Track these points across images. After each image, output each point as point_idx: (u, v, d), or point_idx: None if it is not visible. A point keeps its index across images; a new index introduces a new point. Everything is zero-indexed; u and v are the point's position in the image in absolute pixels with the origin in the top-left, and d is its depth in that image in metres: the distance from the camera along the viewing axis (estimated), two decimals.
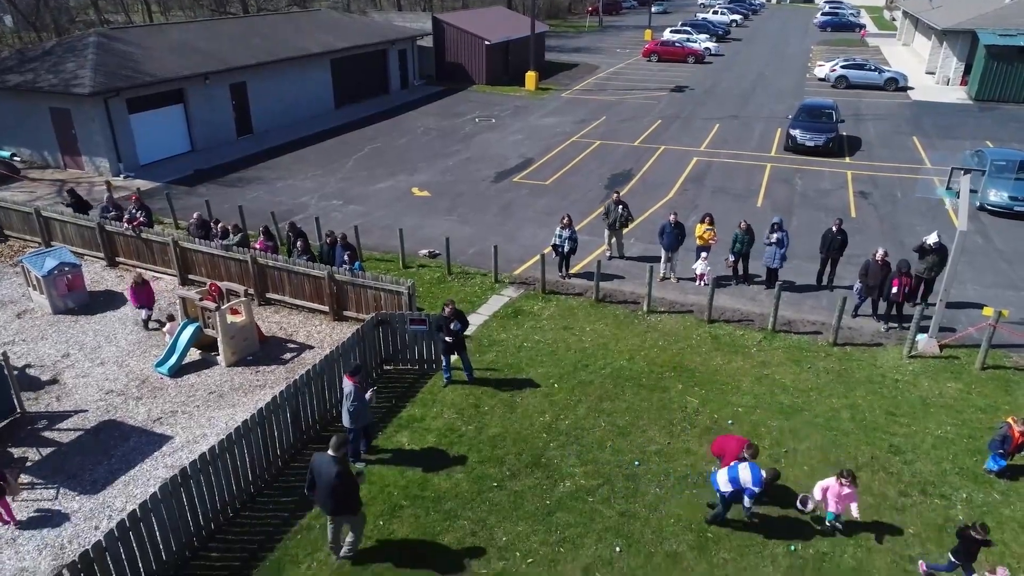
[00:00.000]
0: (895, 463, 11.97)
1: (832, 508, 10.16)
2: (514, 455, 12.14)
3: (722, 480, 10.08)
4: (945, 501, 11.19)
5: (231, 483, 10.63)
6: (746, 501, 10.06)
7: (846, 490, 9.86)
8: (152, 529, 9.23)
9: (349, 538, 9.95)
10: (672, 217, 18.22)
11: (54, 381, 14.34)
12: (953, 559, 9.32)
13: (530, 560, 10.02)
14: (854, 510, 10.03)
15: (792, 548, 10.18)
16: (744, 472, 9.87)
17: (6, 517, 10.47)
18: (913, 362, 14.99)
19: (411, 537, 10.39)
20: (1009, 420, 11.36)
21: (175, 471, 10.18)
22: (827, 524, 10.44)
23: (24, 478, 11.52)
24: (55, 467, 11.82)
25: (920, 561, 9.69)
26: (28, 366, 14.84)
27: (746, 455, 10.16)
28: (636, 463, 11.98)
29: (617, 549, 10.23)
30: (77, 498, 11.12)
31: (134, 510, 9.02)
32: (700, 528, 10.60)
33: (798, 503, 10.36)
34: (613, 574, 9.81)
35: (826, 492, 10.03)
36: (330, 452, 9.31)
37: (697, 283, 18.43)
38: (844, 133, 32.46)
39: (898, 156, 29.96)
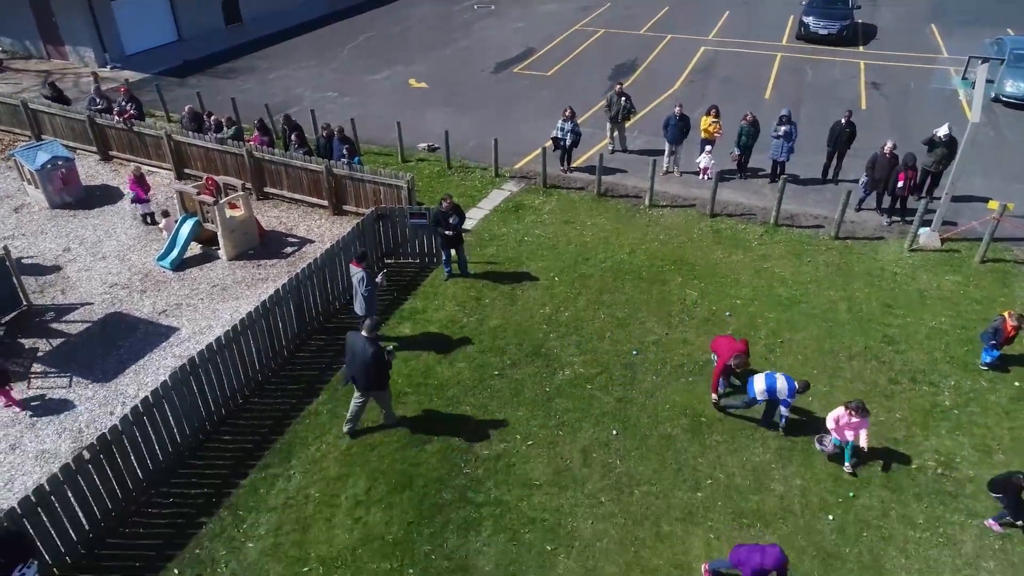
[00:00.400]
0: (887, 353, 12.21)
1: (841, 437, 9.90)
2: (515, 345, 12.37)
3: (759, 388, 10.24)
4: (933, 388, 11.49)
5: (239, 372, 10.89)
6: (782, 410, 10.27)
7: (855, 419, 9.61)
8: (165, 414, 9.53)
9: (384, 416, 10.61)
10: (677, 109, 17.74)
11: (57, 267, 14.48)
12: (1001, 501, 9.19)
13: (530, 442, 10.40)
14: (862, 439, 9.84)
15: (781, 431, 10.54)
16: (781, 383, 10.06)
17: (10, 404, 10.80)
18: (913, 256, 15.01)
19: (415, 420, 10.73)
20: (1004, 314, 11.49)
21: (183, 360, 10.41)
22: (836, 448, 10.11)
23: (37, 367, 11.79)
24: (66, 357, 12.07)
25: (989, 520, 9.30)
26: (28, 258, 14.89)
27: (732, 364, 10.55)
28: (634, 352, 12.22)
29: (614, 432, 10.60)
30: (90, 386, 11.42)
31: (146, 397, 9.28)
32: (694, 413, 10.94)
33: (815, 442, 10.33)
34: (609, 455, 10.21)
35: (837, 422, 9.79)
36: (364, 333, 9.80)
37: (701, 177, 18.19)
38: (859, 20, 31.13)
39: (914, 45, 28.84)
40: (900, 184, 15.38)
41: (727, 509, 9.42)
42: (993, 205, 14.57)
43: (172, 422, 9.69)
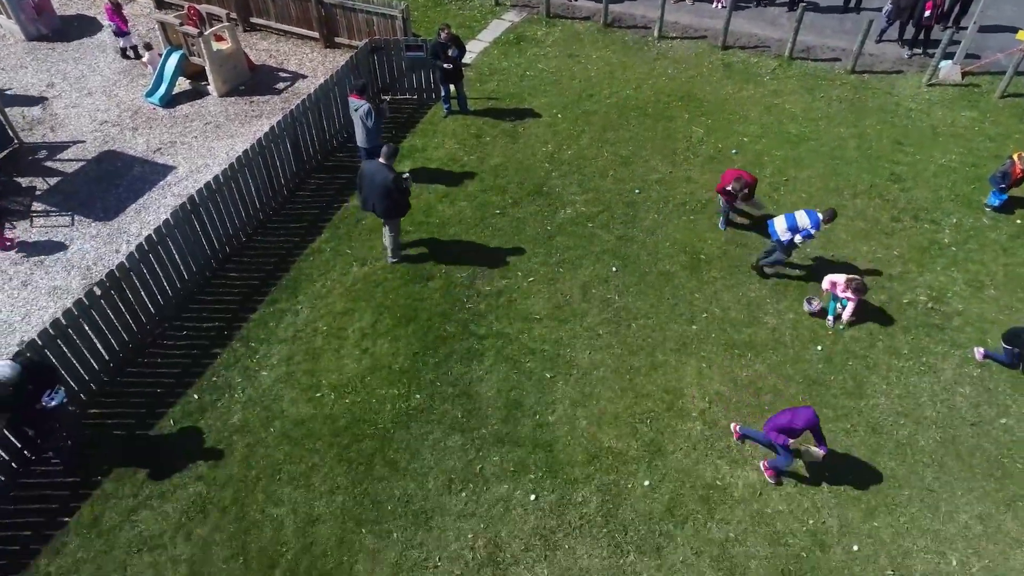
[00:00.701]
0: (893, 190, 12.12)
1: (833, 290, 9.79)
2: (516, 184, 12.28)
3: (780, 228, 10.07)
4: (934, 226, 11.53)
5: (239, 210, 10.89)
6: (797, 238, 9.96)
7: (850, 294, 9.54)
8: (170, 252, 9.65)
9: (388, 243, 10.71)
10: None
11: (43, 98, 14.12)
12: (1006, 346, 9.28)
13: (531, 279, 10.61)
14: (847, 311, 9.80)
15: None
16: (802, 218, 9.91)
17: (7, 244, 10.91)
18: (931, 90, 14.47)
19: (418, 258, 10.89)
20: (1014, 156, 11.24)
21: (183, 199, 10.38)
22: (822, 309, 10.13)
23: (37, 206, 11.79)
24: (65, 195, 12.03)
25: (977, 348, 9.62)
26: (9, 89, 14.44)
27: (732, 189, 10.34)
28: (637, 191, 12.14)
29: (614, 269, 10.78)
30: (93, 224, 11.48)
31: (150, 235, 9.34)
32: (694, 251, 11.06)
33: (805, 302, 10.18)
34: (609, 290, 10.44)
35: (834, 286, 9.68)
36: (382, 160, 9.90)
37: (714, 5, 17.14)
38: None
39: None
40: (927, 13, 14.50)
41: (720, 340, 9.78)
42: (1022, 36, 13.83)
43: (178, 259, 9.83)
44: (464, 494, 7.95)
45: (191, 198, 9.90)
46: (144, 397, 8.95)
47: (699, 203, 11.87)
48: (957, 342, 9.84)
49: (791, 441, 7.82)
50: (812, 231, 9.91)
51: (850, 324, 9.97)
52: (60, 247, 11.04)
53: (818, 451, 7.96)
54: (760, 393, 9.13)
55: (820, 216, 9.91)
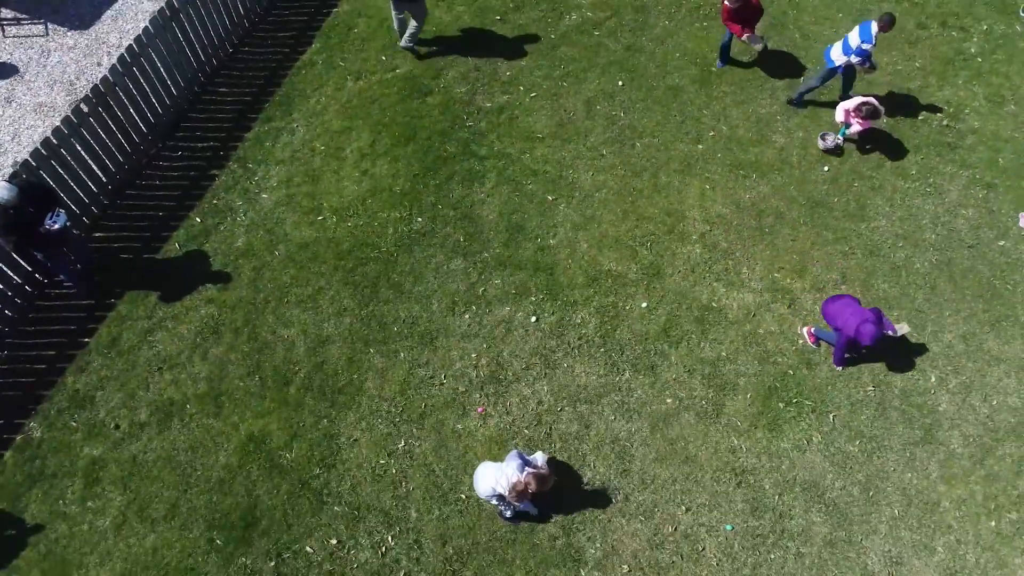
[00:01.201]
0: None
1: (845, 121, 9.36)
2: None
3: (835, 54, 9.27)
4: (962, 34, 10.80)
5: (223, 16, 10.15)
6: (853, 59, 9.16)
7: (861, 119, 9.06)
8: (154, 64, 9.13)
9: (411, 28, 10.13)
10: None
11: None
12: None
13: (533, 94, 10.16)
14: (851, 130, 9.36)
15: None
16: (853, 35, 9.01)
17: None
18: None
19: (415, 72, 10.35)
20: None
21: (162, 3, 9.65)
22: (837, 140, 9.60)
23: (6, 12, 10.99)
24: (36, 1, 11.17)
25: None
26: None
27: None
28: None
29: (620, 83, 10.28)
30: (69, 34, 10.76)
31: (130, 45, 8.79)
32: (705, 62, 10.47)
33: (819, 139, 9.58)
34: (614, 106, 10.04)
35: (847, 115, 9.20)
36: None
37: None
38: None
39: None
40: None
41: (725, 161, 9.58)
42: None
43: (163, 72, 9.34)
44: (467, 316, 8.24)
45: (169, 3, 9.20)
46: (147, 221, 8.97)
47: (713, 7, 11.03)
48: (968, 162, 9.64)
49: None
50: (867, 47, 8.93)
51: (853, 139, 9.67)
52: (39, 61, 10.45)
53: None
54: (762, 216, 9.11)
55: (874, 26, 8.87)
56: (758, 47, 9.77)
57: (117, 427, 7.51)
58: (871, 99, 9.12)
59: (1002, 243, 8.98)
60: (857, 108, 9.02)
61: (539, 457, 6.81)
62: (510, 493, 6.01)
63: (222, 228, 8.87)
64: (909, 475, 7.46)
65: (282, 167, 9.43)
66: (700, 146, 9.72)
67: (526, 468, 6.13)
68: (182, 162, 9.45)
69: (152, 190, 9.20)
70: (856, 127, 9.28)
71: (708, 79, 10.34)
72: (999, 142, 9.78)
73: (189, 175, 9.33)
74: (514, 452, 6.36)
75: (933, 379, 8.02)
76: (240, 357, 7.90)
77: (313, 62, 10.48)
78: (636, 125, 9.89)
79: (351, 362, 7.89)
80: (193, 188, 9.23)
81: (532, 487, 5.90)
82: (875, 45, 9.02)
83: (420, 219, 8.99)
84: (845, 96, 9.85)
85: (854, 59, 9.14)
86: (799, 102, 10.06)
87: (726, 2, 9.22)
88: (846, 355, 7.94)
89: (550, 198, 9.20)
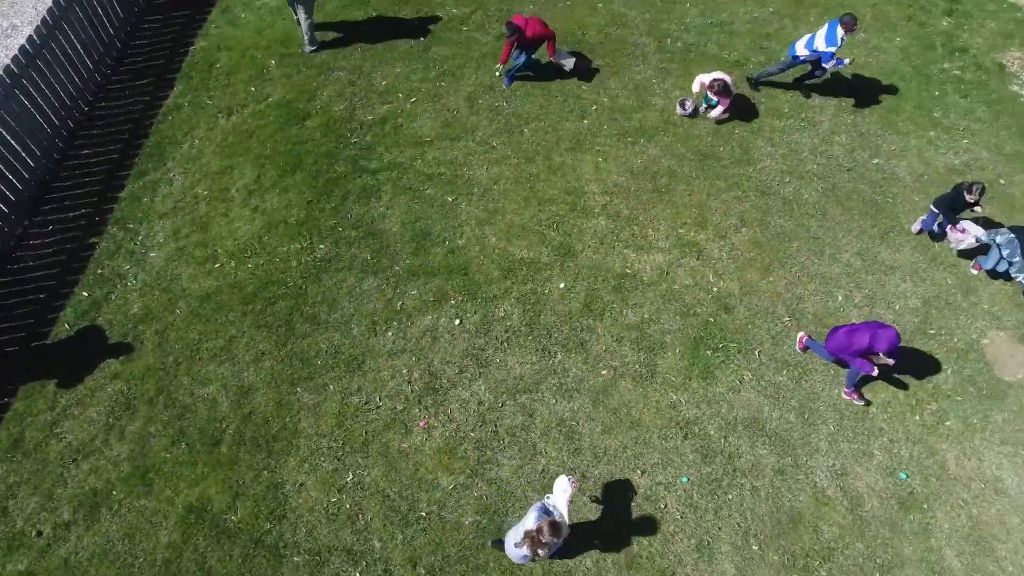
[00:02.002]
0: None
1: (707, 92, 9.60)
2: None
3: (799, 47, 9.44)
4: None
5: (70, 74, 9.56)
6: (829, 64, 9.30)
7: (716, 96, 9.37)
8: (3, 137, 8.51)
9: (304, 28, 10.16)
10: None
11: None
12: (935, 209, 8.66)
13: (413, 99, 10.06)
14: (715, 112, 9.67)
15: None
16: (819, 37, 9.16)
17: None
18: None
19: (289, 98, 10.06)
20: None
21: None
22: (695, 105, 9.89)
23: None
24: None
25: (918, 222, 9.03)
26: None
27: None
28: None
29: (497, 74, 10.31)
30: None
31: None
32: (576, 39, 10.64)
33: (678, 105, 9.84)
34: (496, 97, 10.07)
35: (703, 85, 9.45)
36: None
37: None
38: None
39: None
40: None
41: (612, 131, 9.77)
42: None
43: (14, 144, 8.71)
44: (390, 333, 8.09)
45: (6, 69, 8.58)
46: (28, 307, 8.32)
47: None
48: (833, 91, 10.17)
49: (872, 366, 7.28)
50: (832, 49, 9.05)
51: (720, 122, 9.90)
52: None
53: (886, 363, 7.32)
54: (656, 177, 9.35)
55: (839, 30, 8.98)
56: (568, 64, 10.01)
57: (39, 533, 6.93)
58: (724, 77, 9.34)
59: (876, 161, 9.54)
60: (711, 84, 9.27)
61: (561, 482, 6.21)
62: (529, 547, 5.61)
63: (113, 297, 8.36)
64: (836, 391, 7.83)
65: (166, 220, 8.98)
66: (586, 121, 9.87)
67: (542, 519, 5.69)
68: (55, 236, 8.84)
69: (27, 272, 8.56)
70: (718, 109, 9.59)
71: (582, 57, 10.50)
72: (856, 69, 10.36)
73: (66, 248, 8.73)
74: (536, 505, 5.88)
75: (840, 298, 8.44)
76: (161, 427, 7.47)
77: (179, 105, 10.01)
78: (521, 112, 9.95)
79: (280, 406, 7.60)
80: (73, 261, 8.65)
81: (544, 535, 5.51)
82: (840, 47, 9.16)
83: (323, 245, 8.75)
84: (804, 80, 10.07)
85: (829, 65, 9.28)
86: (757, 84, 10.21)
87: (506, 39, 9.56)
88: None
89: (450, 199, 9.14)
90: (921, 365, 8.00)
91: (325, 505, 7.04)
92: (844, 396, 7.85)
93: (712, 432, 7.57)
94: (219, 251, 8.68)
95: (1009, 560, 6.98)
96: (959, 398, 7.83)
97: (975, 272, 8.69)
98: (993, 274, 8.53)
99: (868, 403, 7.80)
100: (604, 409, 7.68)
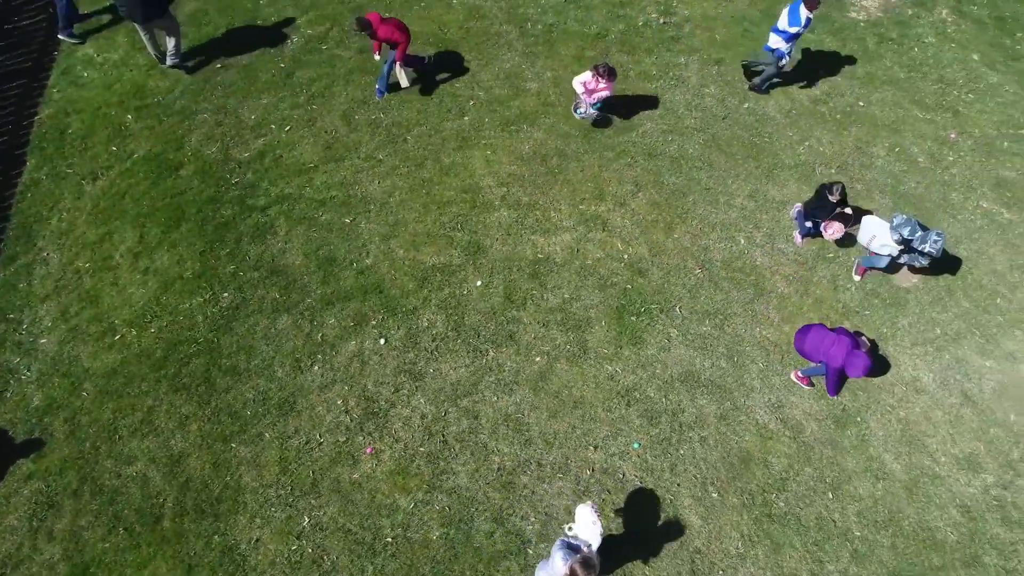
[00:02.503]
0: None
1: (590, 100, 9.31)
2: (224, 28, 10.75)
3: (772, 39, 9.36)
4: None
5: None
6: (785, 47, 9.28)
7: (601, 84, 9.00)
8: None
9: (171, 45, 9.90)
10: None
11: None
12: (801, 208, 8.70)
13: (287, 128, 9.77)
14: (601, 93, 9.23)
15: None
16: (782, 19, 9.15)
17: None
18: None
19: (155, 151, 9.56)
20: None
21: None
22: (588, 113, 9.64)
23: None
24: None
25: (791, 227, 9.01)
26: None
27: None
28: None
29: (368, 87, 10.14)
30: None
31: None
32: (439, 39, 10.60)
33: (572, 110, 9.66)
34: (371, 110, 9.91)
35: (586, 87, 9.09)
36: None
37: None
38: None
39: None
40: None
41: (494, 123, 9.81)
42: None
43: None
44: (316, 367, 7.86)
45: None
46: None
47: None
48: (693, 47, 10.59)
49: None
50: (794, 29, 9.03)
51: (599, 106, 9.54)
52: None
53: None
54: (547, 159, 9.46)
55: (802, 9, 8.92)
56: (404, 81, 9.90)
57: None
58: (601, 62, 8.94)
59: (746, 105, 10.00)
60: (594, 74, 8.88)
61: (584, 514, 6.02)
62: None
63: (9, 395, 7.72)
64: (758, 329, 8.19)
65: (50, 302, 8.36)
66: (467, 118, 9.86)
67: (569, 557, 5.47)
68: None
69: None
70: (603, 92, 9.16)
71: (449, 55, 10.48)
72: (710, 21, 10.83)
73: None
74: (558, 543, 5.66)
75: (742, 241, 8.82)
76: (92, 518, 6.98)
77: (36, 180, 9.33)
78: (400, 120, 9.83)
79: (217, 466, 7.25)
80: None
81: (578, 574, 5.33)
82: (805, 27, 9.05)
83: (226, 294, 8.39)
84: (771, 76, 9.89)
85: (784, 47, 9.27)
86: (763, 88, 10.05)
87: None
88: (840, 383, 7.79)
89: (348, 220, 8.95)
90: (829, 288, 8.47)
91: (286, 555, 6.79)
92: (794, 378, 7.91)
93: (652, 394, 7.76)
94: (116, 322, 8.17)
95: (940, 451, 7.50)
96: (867, 312, 8.33)
97: (858, 279, 8.56)
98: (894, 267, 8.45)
99: (812, 385, 7.91)
100: (546, 395, 7.73)
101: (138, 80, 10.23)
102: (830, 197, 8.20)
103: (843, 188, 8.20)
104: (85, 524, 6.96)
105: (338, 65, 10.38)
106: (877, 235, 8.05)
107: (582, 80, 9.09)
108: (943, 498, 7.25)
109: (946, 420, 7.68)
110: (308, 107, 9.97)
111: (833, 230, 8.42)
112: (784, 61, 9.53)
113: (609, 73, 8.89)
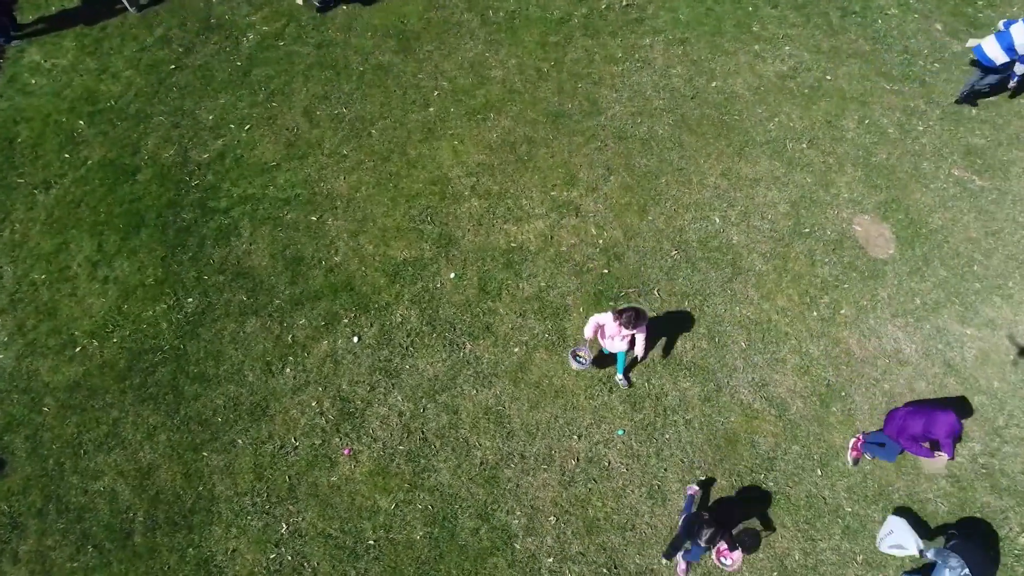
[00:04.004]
0: None
1: (610, 347, 7.04)
2: (178, 27, 10.43)
3: (992, 50, 8.64)
4: None
5: None
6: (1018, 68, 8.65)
7: (624, 333, 6.63)
8: None
9: None
10: None
11: None
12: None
13: (247, 127, 9.48)
14: (638, 347, 6.93)
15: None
16: (1018, 32, 8.32)
17: None
18: None
19: (110, 156, 9.22)
20: None
21: None
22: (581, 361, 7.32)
23: None
24: None
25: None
26: None
27: None
28: None
29: (327, 81, 9.88)
30: None
31: None
32: (398, 31, 10.37)
33: (571, 360, 7.27)
34: (333, 105, 9.65)
35: (602, 332, 6.86)
36: None
37: None
38: None
39: None
40: None
41: (460, 113, 9.60)
42: None
43: None
44: (288, 369, 7.60)
45: None
46: None
47: None
48: (657, 28, 10.45)
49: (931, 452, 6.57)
50: None
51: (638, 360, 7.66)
52: None
53: (941, 459, 6.94)
54: (516, 147, 9.27)
55: None
56: None
57: None
58: (628, 307, 6.50)
59: (714, 84, 9.89)
60: (618, 322, 6.46)
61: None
62: None
63: None
64: (737, 308, 8.08)
65: (6, 317, 8.02)
66: (431, 109, 9.64)
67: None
68: None
69: None
70: (640, 343, 6.89)
71: (409, 46, 10.25)
72: (672, 1, 10.69)
73: None
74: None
75: (717, 220, 8.70)
76: (59, 537, 6.68)
77: None
78: (363, 114, 9.59)
79: (188, 476, 6.98)
80: None
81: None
82: None
83: (191, 299, 8.10)
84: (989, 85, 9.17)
85: (1020, 68, 8.67)
86: (970, 99, 9.56)
87: None
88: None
89: (314, 218, 8.69)
90: (807, 263, 8.38)
91: (265, 564, 6.55)
92: (851, 454, 7.14)
93: (634, 379, 7.61)
94: (76, 334, 7.85)
95: None
96: (846, 285, 8.26)
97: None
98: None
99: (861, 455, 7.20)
100: (526, 386, 7.55)
101: (89, 85, 9.87)
102: (700, 541, 5.76)
103: (714, 531, 5.71)
104: (52, 544, 6.66)
105: (296, 61, 10.10)
106: (895, 531, 6.40)
107: (599, 321, 6.68)
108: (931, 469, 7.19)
109: (930, 390, 7.62)
110: (267, 105, 9.69)
111: (733, 560, 6.33)
112: (1014, 81, 9.00)
113: (634, 321, 6.40)
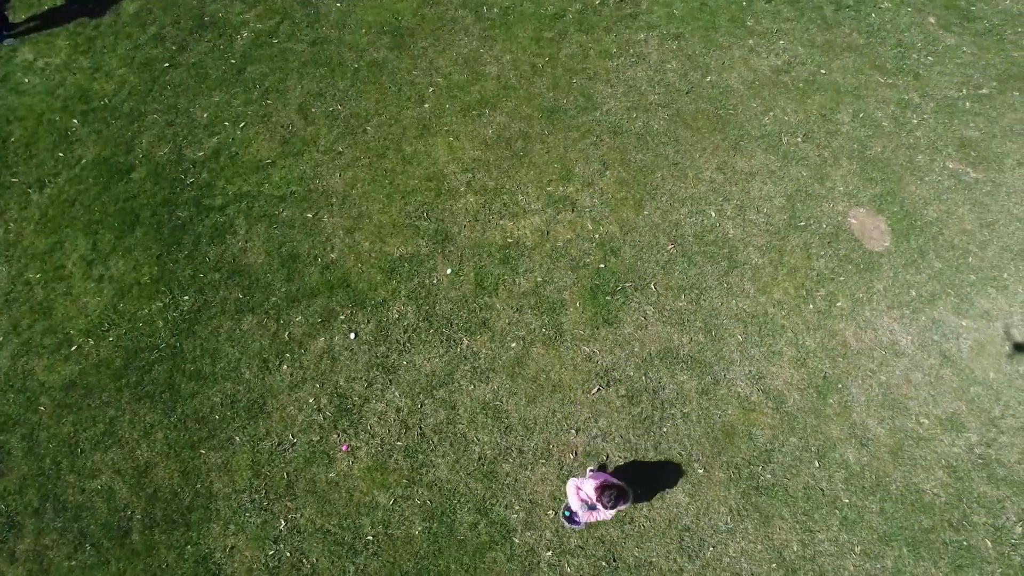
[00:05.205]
0: None
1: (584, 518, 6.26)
2: (172, 25, 10.40)
3: None
4: None
5: None
6: None
7: (603, 514, 6.08)
8: None
9: None
10: None
11: None
12: None
13: (242, 124, 9.46)
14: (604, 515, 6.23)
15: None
16: None
17: None
18: None
19: (105, 155, 9.19)
20: None
21: None
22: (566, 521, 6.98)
23: None
24: None
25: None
26: None
27: None
28: None
29: (322, 78, 9.86)
30: None
31: None
32: (393, 27, 10.35)
33: (565, 521, 6.87)
34: (328, 102, 9.64)
35: (578, 494, 6.17)
36: None
37: None
38: None
39: None
40: None
41: (455, 109, 9.59)
42: None
43: None
44: (285, 366, 7.59)
45: None
46: None
47: None
48: (651, 23, 10.45)
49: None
50: None
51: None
52: None
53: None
54: (511, 143, 9.27)
55: None
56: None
57: None
58: (614, 482, 5.97)
59: (709, 78, 9.89)
60: (599, 498, 5.87)
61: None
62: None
63: None
64: (734, 302, 8.09)
65: (1, 317, 8.00)
66: (426, 105, 9.63)
67: None
68: None
69: None
70: (599, 516, 6.17)
71: (403, 43, 10.23)
72: None
73: None
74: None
75: (713, 214, 8.71)
76: (56, 536, 6.67)
77: None
78: (358, 111, 9.57)
79: (186, 474, 6.97)
80: None
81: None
82: None
83: (186, 297, 8.08)
84: None
85: None
86: None
87: None
88: None
89: (310, 215, 8.68)
90: (803, 256, 8.40)
91: (263, 561, 6.53)
92: None
93: (632, 373, 7.62)
94: (71, 333, 7.83)
95: (923, 414, 7.46)
96: (842, 278, 8.28)
97: None
98: None
99: None
100: (523, 380, 7.55)
101: (82, 84, 9.84)
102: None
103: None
104: (49, 543, 6.64)
105: (291, 59, 10.08)
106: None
107: (577, 484, 6.20)
108: (928, 460, 7.21)
109: (926, 381, 7.64)
110: (262, 102, 9.66)
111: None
112: None
113: (615, 501, 5.85)
